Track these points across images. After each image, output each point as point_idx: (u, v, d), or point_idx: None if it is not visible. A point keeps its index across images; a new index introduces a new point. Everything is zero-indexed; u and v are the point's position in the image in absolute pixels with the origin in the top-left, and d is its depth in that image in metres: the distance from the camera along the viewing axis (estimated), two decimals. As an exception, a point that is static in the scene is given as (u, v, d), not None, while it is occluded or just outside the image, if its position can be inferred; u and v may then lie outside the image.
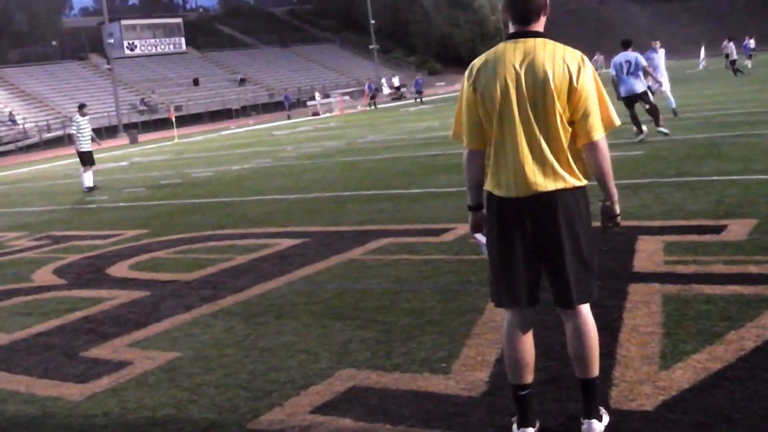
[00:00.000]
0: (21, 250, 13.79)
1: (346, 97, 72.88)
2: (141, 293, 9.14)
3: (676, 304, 6.48)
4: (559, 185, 4.19)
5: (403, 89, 77.66)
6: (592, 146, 4.21)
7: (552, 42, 4.23)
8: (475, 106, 4.32)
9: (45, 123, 75.02)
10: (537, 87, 4.15)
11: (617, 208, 4.38)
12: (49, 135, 72.70)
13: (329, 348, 6.37)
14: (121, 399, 5.85)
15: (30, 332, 8.15)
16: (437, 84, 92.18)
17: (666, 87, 22.98)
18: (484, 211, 4.47)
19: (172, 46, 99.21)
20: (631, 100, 18.58)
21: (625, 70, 18.60)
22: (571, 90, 4.15)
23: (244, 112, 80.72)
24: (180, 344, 7.00)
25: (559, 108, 4.15)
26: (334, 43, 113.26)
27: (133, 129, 65.39)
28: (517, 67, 4.19)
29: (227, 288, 8.84)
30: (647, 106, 18.76)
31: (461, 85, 4.44)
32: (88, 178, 22.52)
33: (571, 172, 4.22)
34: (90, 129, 23.45)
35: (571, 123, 4.21)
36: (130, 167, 30.07)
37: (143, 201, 18.49)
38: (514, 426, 4.50)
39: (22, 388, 6.45)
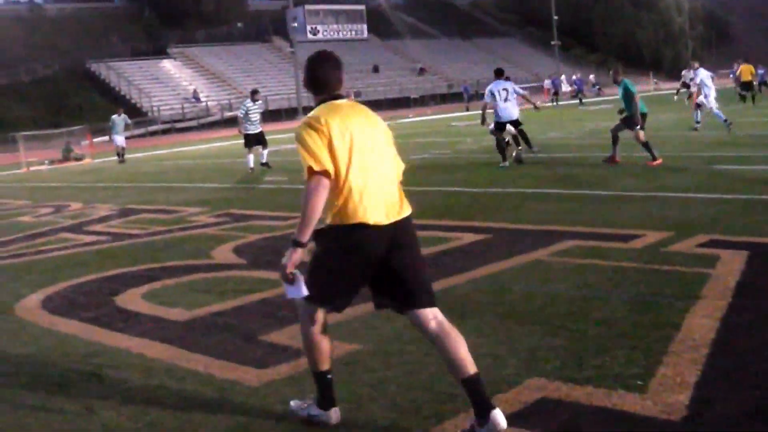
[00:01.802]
0: (201, 226, 13.97)
1: (525, 93, 71.98)
2: (320, 279, 9.03)
3: None
4: None
5: (594, 87, 76.00)
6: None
7: None
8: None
9: (227, 101, 76.94)
10: None
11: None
12: (230, 113, 74.35)
13: (516, 354, 6.08)
14: (300, 389, 5.71)
15: (209, 311, 8.15)
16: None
17: (713, 104, 25.08)
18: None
19: (354, 33, 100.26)
20: (504, 126, 19.81)
21: (503, 98, 19.78)
22: None
23: (422, 101, 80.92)
24: (360, 336, 6.83)
25: None
26: (514, 38, 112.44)
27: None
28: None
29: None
30: (515, 133, 20.07)
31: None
32: (251, 159, 23.63)
33: None
34: (260, 113, 24.39)
35: None
36: (281, 152, 30.33)
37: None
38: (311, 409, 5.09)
39: (200, 368, 6.41)
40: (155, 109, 72.88)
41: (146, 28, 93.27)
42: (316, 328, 5.09)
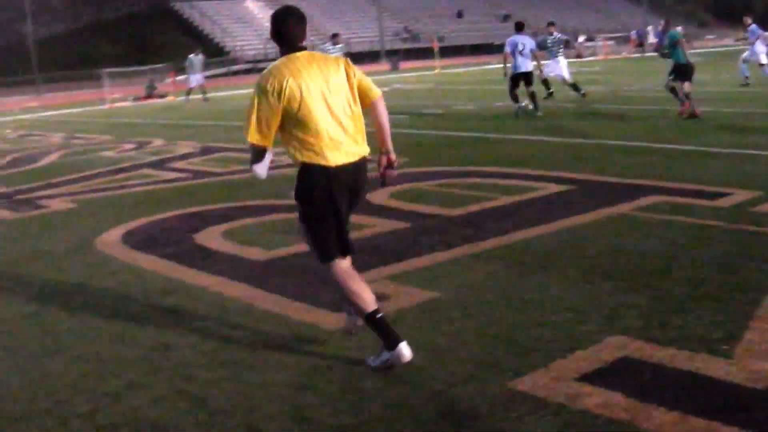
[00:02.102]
0: (282, 166, 13.93)
1: (611, 42, 70.64)
2: (401, 224, 8.97)
3: None
4: None
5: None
6: None
7: None
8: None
9: (309, 42, 76.54)
10: None
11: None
12: (313, 53, 74.02)
13: (597, 309, 5.92)
14: (374, 334, 5.66)
15: (287, 252, 8.13)
16: (707, 37, 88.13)
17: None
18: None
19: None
20: (518, 78, 20.34)
21: (519, 50, 20.33)
22: None
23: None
24: (439, 284, 6.75)
25: None
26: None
27: (395, 56, 66.06)
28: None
29: (490, 229, 8.50)
30: (531, 88, 20.43)
31: None
32: None
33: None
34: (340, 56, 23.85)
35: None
36: (391, 93, 30.18)
37: (405, 129, 18.40)
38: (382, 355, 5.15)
39: (277, 309, 6.41)
40: (238, 48, 73.18)
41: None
42: (344, 278, 5.31)
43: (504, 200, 9.89)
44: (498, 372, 4.89)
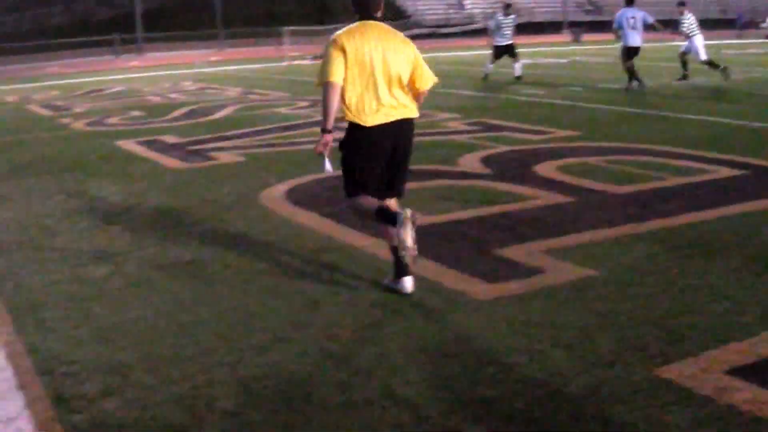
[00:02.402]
0: (453, 132, 13.95)
1: (654, 21, 67.67)
2: (565, 198, 8.82)
3: None
4: None
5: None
6: None
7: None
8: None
9: (491, 10, 76.29)
10: None
11: None
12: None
13: (758, 302, 5.66)
14: (527, 308, 5.59)
15: (448, 218, 8.12)
16: None
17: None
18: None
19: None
20: (630, 51, 20.65)
21: (630, 25, 20.48)
22: None
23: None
24: (597, 262, 6.59)
25: None
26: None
27: (578, 27, 64.97)
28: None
29: (656, 210, 8.26)
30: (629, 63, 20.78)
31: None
32: (491, 67, 24.72)
33: None
34: (512, 26, 24.60)
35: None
36: (570, 65, 29.74)
37: (580, 101, 18.12)
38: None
39: (429, 275, 6.39)
40: (420, 12, 73.28)
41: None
42: (364, 208, 6.18)
43: (673, 181, 9.60)
44: (645, 357, 4.74)
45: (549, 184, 9.50)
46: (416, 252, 5.72)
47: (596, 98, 18.80)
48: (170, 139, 14.35)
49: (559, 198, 8.79)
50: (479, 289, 6.05)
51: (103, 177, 11.06)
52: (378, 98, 5.94)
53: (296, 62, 38.12)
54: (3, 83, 34.50)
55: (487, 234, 7.52)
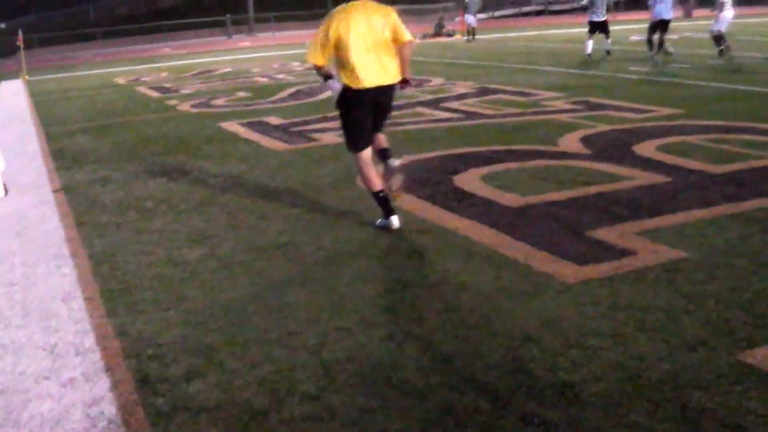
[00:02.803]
0: (555, 111, 13.86)
1: None
2: (662, 178, 8.71)
3: None
4: None
5: None
6: None
7: None
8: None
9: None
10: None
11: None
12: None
13: None
14: (615, 291, 5.57)
15: (543, 199, 8.09)
16: None
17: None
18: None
19: None
20: (657, 26, 23.21)
21: None
22: None
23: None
24: (689, 243, 6.52)
25: None
26: None
27: (687, 2, 63.59)
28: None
29: (754, 190, 8.10)
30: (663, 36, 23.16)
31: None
32: (590, 45, 25.03)
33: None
34: (606, 3, 25.51)
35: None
36: (680, 42, 29.16)
37: (686, 79, 17.78)
38: (381, 220, 7.53)
39: (520, 258, 6.40)
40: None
41: None
42: (362, 166, 7.57)
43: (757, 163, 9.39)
44: (731, 341, 4.69)
45: (647, 163, 9.40)
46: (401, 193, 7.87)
47: (703, 75, 18.41)
48: (274, 120, 14.56)
49: (656, 178, 8.69)
50: (569, 271, 6.03)
51: (205, 159, 11.31)
52: (368, 65, 7.30)
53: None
54: (115, 65, 35.35)
55: (581, 215, 7.47)
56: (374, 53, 7.34)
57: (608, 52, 24.71)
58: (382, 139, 7.84)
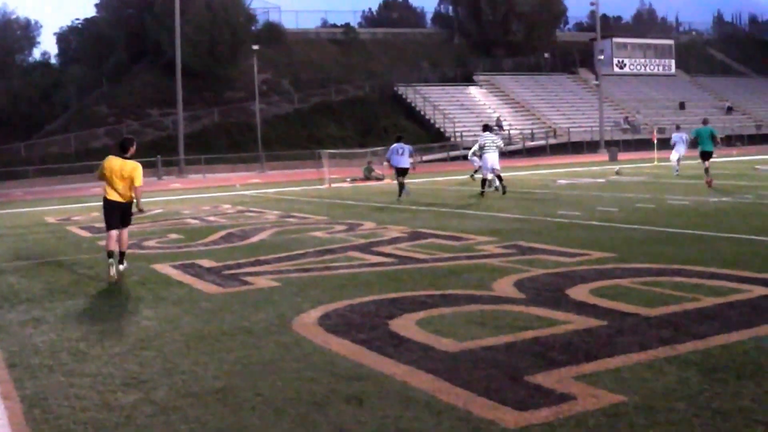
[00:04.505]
0: (487, 256, 13.98)
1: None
2: (597, 322, 8.77)
3: None
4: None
5: None
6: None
7: None
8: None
9: (530, 131, 77.31)
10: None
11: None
12: (532, 143, 74.90)
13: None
14: (557, 437, 5.55)
15: (480, 344, 8.08)
16: None
17: None
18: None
19: (661, 68, 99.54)
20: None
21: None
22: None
23: (729, 141, 78.33)
24: (628, 387, 6.54)
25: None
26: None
27: (614, 146, 65.54)
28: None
29: (688, 332, 8.18)
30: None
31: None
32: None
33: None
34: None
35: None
36: (607, 185, 29.83)
37: (615, 222, 18.12)
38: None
39: (460, 404, 6.35)
40: (458, 134, 74.25)
41: (456, 55, 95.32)
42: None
43: (706, 302, 9.50)
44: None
45: (582, 307, 9.48)
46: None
47: (633, 219, 18.75)
48: (207, 263, 14.50)
49: (591, 322, 8.75)
50: (509, 417, 5.99)
51: (138, 301, 11.20)
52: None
53: (336, 185, 38.57)
54: (45, 204, 35.14)
55: (518, 360, 7.47)
56: (118, 184, 13.47)
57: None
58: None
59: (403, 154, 28.72)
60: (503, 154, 35.90)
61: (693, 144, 30.28)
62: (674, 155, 35.27)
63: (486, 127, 29.65)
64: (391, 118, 79.03)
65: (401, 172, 28.80)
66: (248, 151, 67.63)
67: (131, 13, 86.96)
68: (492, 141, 28.42)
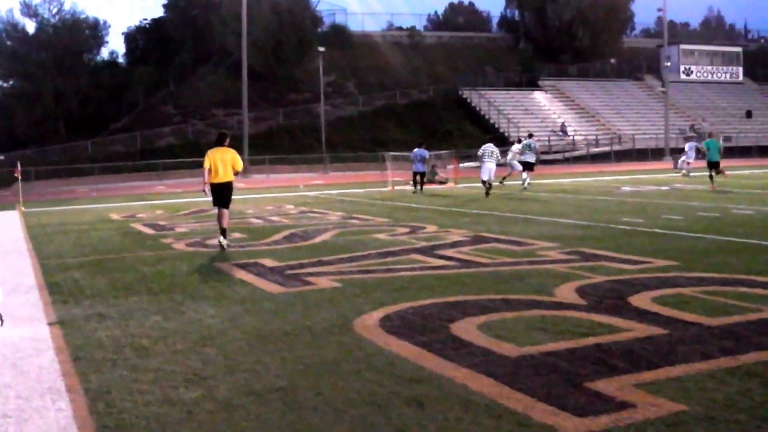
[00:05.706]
0: (549, 261, 13.93)
1: None
2: (659, 330, 8.73)
3: None
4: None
5: None
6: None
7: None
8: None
9: (594, 137, 76.74)
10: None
11: None
12: (596, 150, 74.35)
13: None
14: (618, 444, 5.53)
15: (540, 349, 8.07)
16: None
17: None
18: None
19: (728, 75, 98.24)
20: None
21: None
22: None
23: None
24: (689, 397, 6.50)
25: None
26: None
27: (679, 154, 64.75)
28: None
29: (751, 343, 8.11)
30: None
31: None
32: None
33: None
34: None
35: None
36: (671, 193, 29.58)
37: (679, 231, 17.96)
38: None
39: (519, 408, 6.36)
40: (522, 138, 73.91)
41: (521, 60, 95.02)
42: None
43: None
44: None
45: (644, 315, 9.43)
46: None
47: (696, 227, 18.57)
48: (269, 262, 14.62)
49: (653, 330, 8.71)
50: (569, 423, 5.99)
51: (201, 299, 11.31)
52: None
53: (399, 187, 38.57)
54: (110, 201, 35.61)
55: (579, 366, 7.46)
56: (221, 167, 16.97)
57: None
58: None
59: (421, 160, 35.91)
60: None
61: (704, 154, 34.00)
62: (684, 159, 44.01)
63: (520, 140, 37.96)
64: (455, 122, 78.98)
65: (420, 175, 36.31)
66: (312, 153, 68.00)
67: (198, 14, 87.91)
68: (491, 152, 32.73)
